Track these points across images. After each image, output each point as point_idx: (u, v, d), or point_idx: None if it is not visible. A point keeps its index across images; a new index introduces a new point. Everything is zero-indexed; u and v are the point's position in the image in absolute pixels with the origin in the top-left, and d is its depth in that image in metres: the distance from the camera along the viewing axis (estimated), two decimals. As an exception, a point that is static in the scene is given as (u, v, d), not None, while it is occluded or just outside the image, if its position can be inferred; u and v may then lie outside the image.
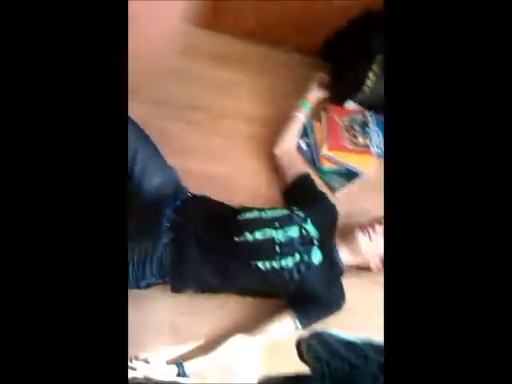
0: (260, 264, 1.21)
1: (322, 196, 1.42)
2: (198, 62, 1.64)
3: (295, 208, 1.33)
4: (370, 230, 1.26)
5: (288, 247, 1.22)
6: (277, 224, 1.26)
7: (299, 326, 1.23)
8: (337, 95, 1.60)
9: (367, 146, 1.56)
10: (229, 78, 1.66)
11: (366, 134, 1.58)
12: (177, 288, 1.25)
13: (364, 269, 1.34)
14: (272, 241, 1.23)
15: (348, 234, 1.30)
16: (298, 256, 1.22)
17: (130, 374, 1.08)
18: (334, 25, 1.60)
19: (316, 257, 1.25)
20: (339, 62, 1.58)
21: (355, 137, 1.58)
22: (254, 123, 1.60)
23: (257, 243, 1.22)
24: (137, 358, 1.14)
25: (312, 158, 1.56)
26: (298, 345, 0.71)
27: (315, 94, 1.56)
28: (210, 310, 1.33)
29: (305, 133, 1.59)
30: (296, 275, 1.21)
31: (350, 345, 0.50)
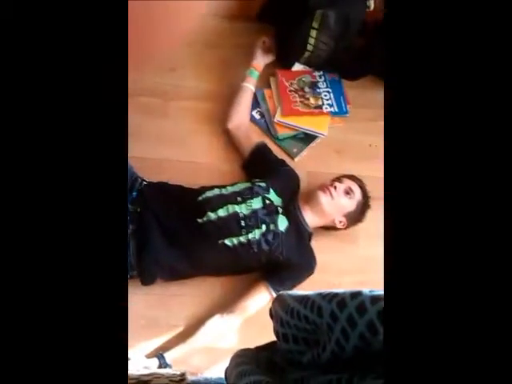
0: (227, 241, 1.19)
1: (281, 163, 1.40)
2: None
3: (256, 180, 1.31)
4: (331, 188, 1.26)
5: (253, 220, 1.20)
6: (239, 198, 1.23)
7: (274, 295, 1.22)
8: (282, 58, 1.55)
9: (319, 107, 1.54)
10: (172, 58, 1.58)
11: (316, 94, 1.55)
12: (146, 280, 1.22)
13: (331, 228, 1.34)
14: (236, 216, 1.20)
15: (310, 196, 1.29)
16: (264, 227, 1.20)
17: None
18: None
19: (282, 224, 1.23)
20: (280, 24, 1.53)
21: (307, 98, 1.54)
22: (203, 100, 1.54)
23: (221, 221, 1.19)
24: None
25: (267, 126, 1.53)
26: (270, 313, 0.70)
27: (261, 61, 1.51)
28: (185, 297, 1.30)
29: (256, 102, 1.54)
30: (264, 246, 1.19)
31: (304, 300, 0.47)
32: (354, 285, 1.37)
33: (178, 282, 1.28)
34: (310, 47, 1.47)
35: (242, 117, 1.47)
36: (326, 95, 1.56)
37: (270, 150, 1.43)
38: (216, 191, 1.25)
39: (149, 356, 1.18)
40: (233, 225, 1.19)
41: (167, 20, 0.36)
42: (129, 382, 0.92)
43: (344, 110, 1.55)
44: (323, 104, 1.54)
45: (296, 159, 1.49)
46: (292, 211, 1.27)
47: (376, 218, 1.37)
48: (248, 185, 1.28)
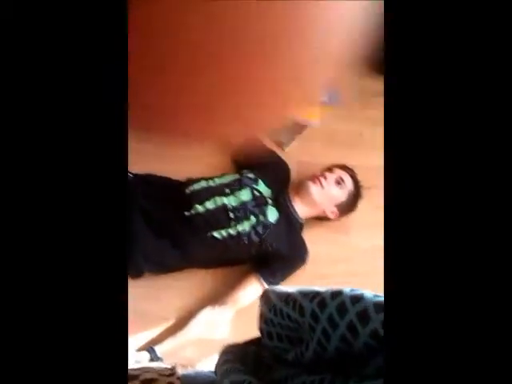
0: (216, 234, 1.17)
1: (270, 154, 1.38)
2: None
3: (245, 171, 1.29)
4: (321, 178, 1.24)
5: (242, 211, 1.19)
6: (227, 190, 1.21)
7: (266, 286, 1.21)
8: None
9: (309, 95, 1.51)
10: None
11: (306, 82, 1.53)
12: (134, 272, 1.20)
13: (322, 218, 1.33)
14: (224, 208, 1.19)
15: (300, 186, 1.28)
16: (253, 218, 1.19)
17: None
18: None
19: (272, 215, 1.22)
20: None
21: (296, 87, 1.52)
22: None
23: (209, 213, 1.18)
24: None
25: (256, 116, 1.50)
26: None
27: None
28: (176, 289, 1.29)
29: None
30: (254, 237, 1.18)
31: (287, 298, 0.46)
32: (347, 275, 1.38)
33: (169, 275, 1.27)
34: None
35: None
36: (315, 83, 1.54)
37: (259, 140, 1.41)
38: (203, 183, 1.23)
39: (139, 349, 1.18)
40: (221, 217, 1.18)
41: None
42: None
43: (334, 98, 1.53)
44: (313, 92, 1.52)
45: (286, 149, 1.47)
46: (282, 202, 1.26)
47: (368, 207, 1.36)
48: (236, 176, 1.26)
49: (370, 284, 1.30)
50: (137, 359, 1.12)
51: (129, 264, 1.18)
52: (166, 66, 0.17)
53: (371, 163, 1.45)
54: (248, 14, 0.15)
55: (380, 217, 1.35)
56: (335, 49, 0.18)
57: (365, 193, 1.33)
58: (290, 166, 1.39)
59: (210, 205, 1.18)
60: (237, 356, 0.60)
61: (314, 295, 0.41)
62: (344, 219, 1.35)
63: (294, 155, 1.46)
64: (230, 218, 1.18)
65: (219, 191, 1.21)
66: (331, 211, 1.29)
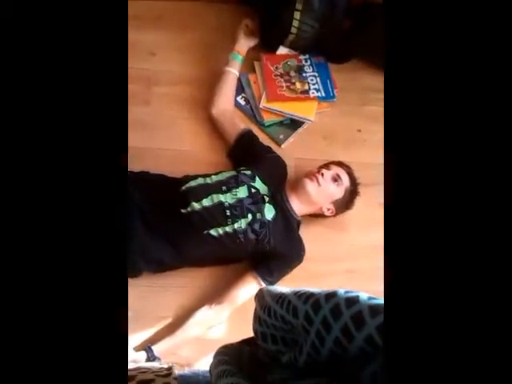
0: (213, 231, 1.16)
1: (267, 150, 1.37)
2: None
3: (242, 168, 1.28)
4: (318, 175, 1.23)
5: (238, 209, 1.18)
6: (224, 188, 1.20)
7: (263, 284, 1.21)
8: (266, 41, 1.50)
9: (306, 92, 1.50)
10: (152, 42, 1.53)
11: (303, 78, 1.52)
12: (131, 272, 1.19)
13: (319, 216, 1.32)
14: (221, 206, 1.17)
15: (297, 183, 1.27)
16: (250, 216, 1.18)
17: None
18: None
19: (269, 213, 1.21)
20: (263, 6, 1.48)
21: (293, 83, 1.50)
22: (185, 85, 1.49)
23: (205, 211, 1.17)
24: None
25: (252, 112, 1.49)
26: None
27: (244, 44, 1.46)
28: (173, 288, 1.28)
29: (241, 87, 1.50)
30: (251, 235, 1.17)
31: (281, 299, 0.45)
32: (343, 273, 1.37)
33: (166, 274, 1.26)
34: (294, 30, 1.43)
35: (226, 102, 1.42)
36: (312, 79, 1.52)
37: (255, 137, 1.39)
38: (200, 180, 1.22)
39: (137, 349, 1.17)
40: (218, 214, 1.17)
41: None
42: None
43: (331, 94, 1.52)
44: (310, 89, 1.50)
45: (283, 146, 1.46)
46: (279, 199, 1.25)
47: (365, 204, 1.35)
48: (233, 173, 1.25)
49: (367, 282, 1.29)
50: (134, 359, 1.12)
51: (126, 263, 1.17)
52: None
53: (369, 160, 1.44)
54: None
55: (377, 214, 1.36)
56: None
57: (362, 190, 1.32)
58: (287, 163, 1.38)
59: (206, 202, 1.17)
60: (231, 357, 0.59)
61: (308, 296, 0.40)
62: (341, 216, 1.34)
63: (291, 152, 1.45)
64: (227, 216, 1.17)
65: (216, 188, 1.19)
66: (328, 208, 1.28)
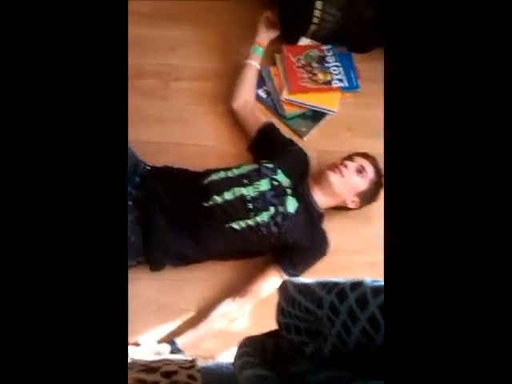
0: (235, 225, 1.16)
1: (289, 143, 1.35)
2: (135, 24, 1.51)
3: (264, 161, 1.27)
4: (341, 167, 1.21)
5: (261, 202, 1.17)
6: (245, 181, 1.19)
7: (286, 278, 1.19)
8: (287, 33, 1.48)
9: (328, 82, 1.47)
10: (172, 37, 1.53)
11: (325, 69, 1.49)
12: (154, 265, 1.20)
13: (343, 208, 1.29)
14: (243, 199, 1.17)
15: (320, 176, 1.25)
16: (272, 209, 1.17)
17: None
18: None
19: (291, 205, 1.19)
20: (283, -4, 1.46)
21: (314, 74, 1.48)
22: (206, 80, 1.49)
23: (227, 204, 1.16)
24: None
25: (274, 105, 1.47)
26: None
27: (265, 36, 1.45)
28: (196, 281, 1.29)
29: (262, 80, 1.49)
30: (274, 228, 1.16)
31: (305, 289, 0.44)
32: (368, 266, 1.34)
33: (188, 267, 1.26)
34: (315, 20, 1.40)
35: (247, 95, 1.41)
36: (335, 70, 1.49)
37: (277, 129, 1.38)
38: (222, 174, 1.22)
39: (160, 341, 1.18)
40: (240, 208, 1.16)
41: None
42: (138, 368, 0.91)
43: (354, 84, 1.49)
44: (332, 79, 1.47)
45: (305, 138, 1.44)
46: (301, 192, 1.23)
47: (390, 196, 1.32)
48: (255, 166, 1.24)
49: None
50: (158, 351, 1.13)
51: (148, 257, 1.18)
52: None
53: (394, 151, 1.40)
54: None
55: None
56: None
57: (387, 181, 1.29)
58: (310, 155, 1.36)
59: (228, 196, 1.16)
60: (255, 349, 0.58)
61: (333, 286, 0.39)
62: (365, 209, 1.31)
63: (314, 144, 1.43)
64: (249, 209, 1.16)
65: (238, 182, 1.19)
66: (352, 201, 1.25)
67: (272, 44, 1.47)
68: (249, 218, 1.16)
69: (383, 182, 1.28)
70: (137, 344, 1.12)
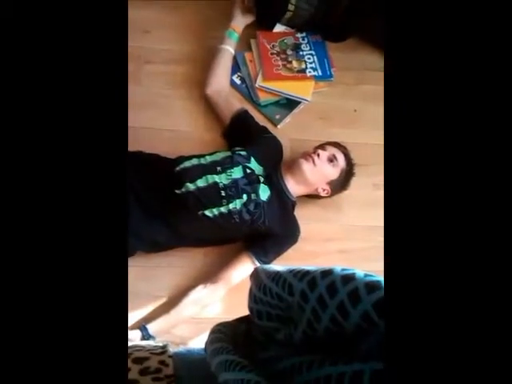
0: (207, 212, 1.16)
1: (263, 131, 1.35)
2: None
3: (237, 148, 1.27)
4: (314, 156, 1.22)
5: (233, 189, 1.17)
6: (218, 168, 1.19)
7: (258, 264, 1.21)
8: (262, 19, 1.47)
9: (303, 71, 1.47)
10: (147, 19, 1.49)
11: (299, 57, 1.49)
12: (126, 252, 1.19)
13: (314, 196, 1.31)
14: (216, 186, 1.16)
15: (293, 164, 1.26)
16: (245, 196, 1.17)
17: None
18: None
19: (264, 193, 1.20)
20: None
21: (289, 62, 1.48)
22: (180, 64, 1.46)
23: (200, 192, 1.16)
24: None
25: (248, 92, 1.47)
26: None
27: (240, 21, 1.43)
28: (168, 267, 1.29)
29: (237, 66, 1.47)
30: (246, 216, 1.17)
31: (276, 277, 0.45)
32: (338, 253, 1.38)
33: (160, 253, 1.26)
34: (291, 7, 1.40)
35: (221, 81, 1.40)
36: (309, 58, 1.50)
37: (251, 117, 1.38)
38: (194, 161, 1.21)
39: (132, 328, 1.18)
40: (212, 195, 1.16)
41: None
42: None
43: (328, 73, 1.50)
44: (306, 68, 1.48)
45: (279, 126, 1.45)
46: (274, 180, 1.24)
47: (360, 185, 1.35)
48: (228, 154, 1.24)
49: (361, 262, 1.29)
50: (129, 338, 1.12)
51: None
52: None
53: (365, 140, 1.43)
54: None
55: (372, 195, 1.35)
56: None
57: (358, 170, 1.32)
58: (283, 144, 1.37)
59: (201, 183, 1.16)
60: (227, 335, 0.59)
61: (304, 274, 0.40)
62: (336, 197, 1.34)
63: (287, 132, 1.44)
64: (222, 197, 1.16)
65: (210, 169, 1.18)
66: (323, 189, 1.27)
67: (248, 29, 1.46)
68: (221, 206, 1.16)
69: (354, 171, 1.30)
70: (107, 331, 1.11)
